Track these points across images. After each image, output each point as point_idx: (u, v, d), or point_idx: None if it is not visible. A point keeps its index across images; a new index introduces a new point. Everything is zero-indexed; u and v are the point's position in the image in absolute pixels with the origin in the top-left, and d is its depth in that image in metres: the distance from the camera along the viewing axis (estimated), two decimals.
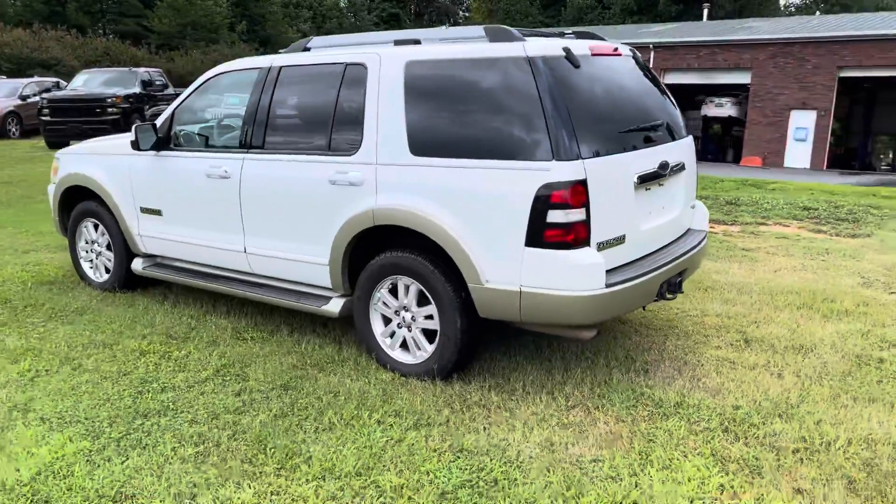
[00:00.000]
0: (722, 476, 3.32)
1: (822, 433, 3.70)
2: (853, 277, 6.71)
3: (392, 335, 4.58)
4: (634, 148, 4.27)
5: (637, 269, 4.18)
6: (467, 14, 64.24)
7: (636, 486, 3.24)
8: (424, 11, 63.56)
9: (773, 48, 25.60)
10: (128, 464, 3.45)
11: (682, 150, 4.80)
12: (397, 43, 4.63)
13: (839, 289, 6.26)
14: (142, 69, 21.10)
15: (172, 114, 5.50)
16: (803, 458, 3.48)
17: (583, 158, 3.85)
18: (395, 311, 4.52)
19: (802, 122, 25.79)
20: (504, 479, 3.31)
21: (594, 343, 4.95)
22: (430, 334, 4.44)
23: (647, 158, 4.33)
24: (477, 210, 4.05)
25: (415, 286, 4.38)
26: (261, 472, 3.38)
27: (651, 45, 27.50)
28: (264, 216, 4.94)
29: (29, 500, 3.17)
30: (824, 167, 25.51)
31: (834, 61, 24.74)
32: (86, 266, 6.37)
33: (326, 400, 4.11)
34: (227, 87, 5.52)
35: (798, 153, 25.91)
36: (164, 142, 5.49)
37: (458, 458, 3.50)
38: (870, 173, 26.80)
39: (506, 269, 4.01)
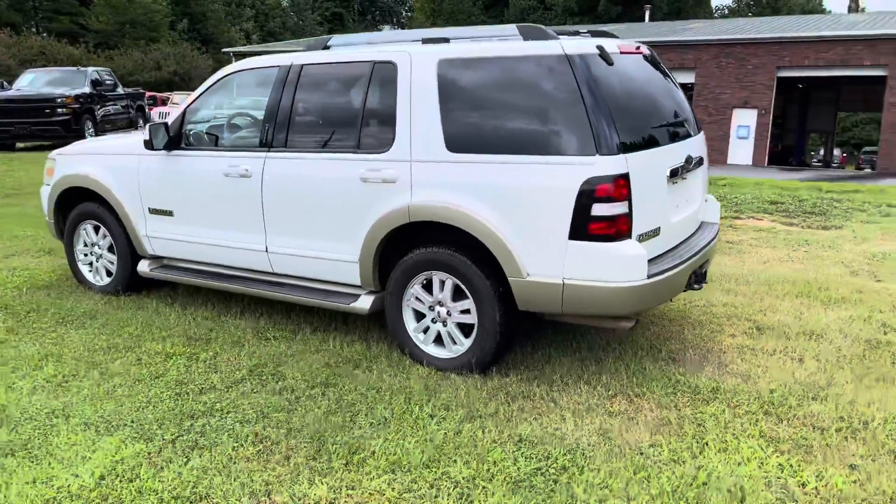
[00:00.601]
0: (778, 456, 3.47)
1: (859, 413, 3.89)
2: (839, 267, 7.02)
3: (425, 330, 4.62)
4: (664, 143, 4.41)
5: (671, 260, 4.32)
6: (410, 14, 64.24)
7: (700, 468, 3.36)
8: (368, 11, 63.35)
9: (716, 49, 26.40)
10: (192, 465, 3.41)
11: (699, 144, 4.97)
12: (426, 41, 4.68)
13: (830, 278, 6.55)
14: (91, 68, 20.53)
15: (184, 113, 5.42)
16: (847, 436, 3.66)
17: (624, 153, 3.96)
18: (430, 307, 4.56)
19: (744, 121, 26.66)
20: (572, 465, 3.40)
21: (617, 334, 5.08)
22: (465, 328, 4.49)
23: (675, 153, 4.47)
24: (518, 205, 4.12)
25: (451, 281, 4.43)
26: (329, 469, 3.39)
27: None
28: (288, 215, 4.92)
29: None
30: (765, 164, 26.42)
31: (773, 61, 25.66)
32: (84, 269, 6.21)
33: (371, 396, 4.13)
34: (242, 85, 5.46)
35: (741, 151, 26.77)
36: (175, 141, 5.40)
37: (521, 447, 3.57)
38: (807, 169, 27.92)
39: (548, 262, 4.09)
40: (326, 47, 5.11)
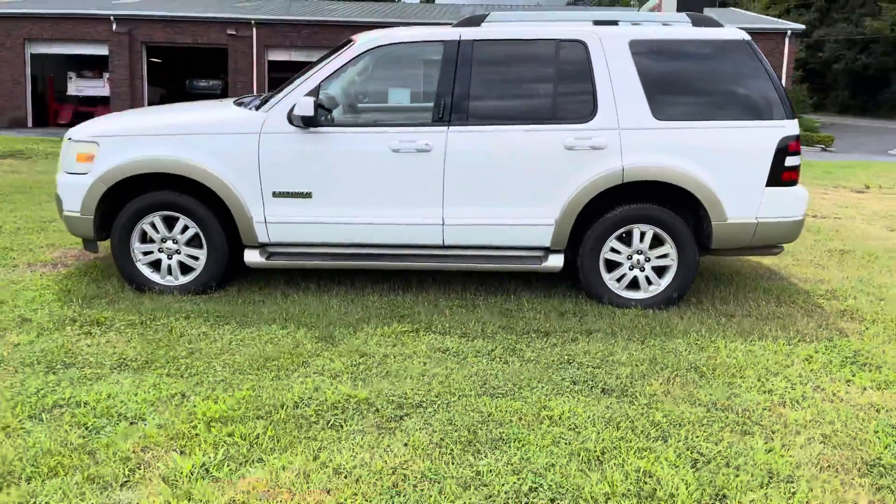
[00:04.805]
0: None
1: None
2: None
3: (619, 279, 5.29)
4: None
5: None
6: None
7: None
8: None
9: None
10: (683, 437, 3.49)
11: None
12: (597, 23, 5.28)
13: None
14: None
15: (318, 88, 5.09)
16: None
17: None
18: (627, 256, 5.25)
19: None
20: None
21: (707, 270, 6.28)
22: (657, 270, 5.29)
23: None
24: (724, 161, 5.09)
25: (651, 231, 5.19)
26: (758, 433, 3.53)
27: (253, 21, 27.87)
28: (474, 186, 5.10)
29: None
30: None
31: None
32: (146, 270, 5.31)
33: (656, 343, 4.55)
34: (394, 60, 5.33)
35: None
36: (313, 118, 5.07)
37: (819, 355, 4.49)
38: None
39: (747, 206, 5.14)
40: (479, 24, 5.29)
